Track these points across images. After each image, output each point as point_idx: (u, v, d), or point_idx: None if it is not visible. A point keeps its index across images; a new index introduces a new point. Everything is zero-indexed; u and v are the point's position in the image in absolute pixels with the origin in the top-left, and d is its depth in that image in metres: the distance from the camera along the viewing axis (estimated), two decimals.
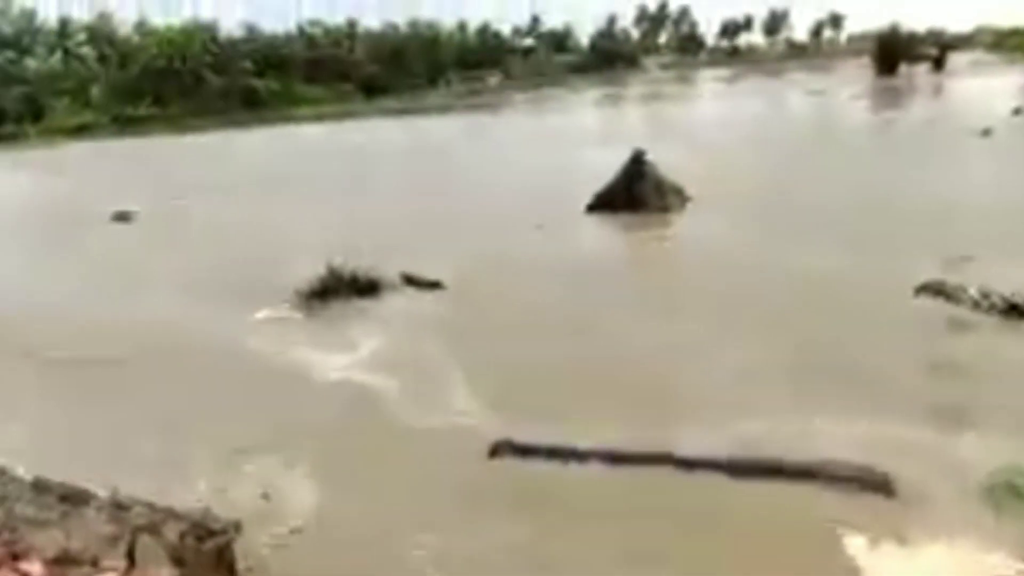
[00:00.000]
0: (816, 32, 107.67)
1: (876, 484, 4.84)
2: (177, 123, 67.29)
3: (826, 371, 6.64)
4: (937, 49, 49.94)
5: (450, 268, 10.74)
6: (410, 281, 10.53)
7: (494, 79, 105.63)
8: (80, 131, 68.66)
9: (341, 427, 6.44)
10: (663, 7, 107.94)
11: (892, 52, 48.54)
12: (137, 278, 11.99)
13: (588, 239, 12.66)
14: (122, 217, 17.87)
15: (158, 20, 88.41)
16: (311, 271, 10.27)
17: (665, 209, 13.87)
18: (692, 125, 31.37)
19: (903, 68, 48.53)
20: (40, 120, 73.04)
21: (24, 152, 51.72)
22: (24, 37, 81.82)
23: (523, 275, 10.57)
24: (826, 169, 17.81)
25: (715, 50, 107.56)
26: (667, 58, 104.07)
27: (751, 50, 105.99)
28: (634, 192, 13.93)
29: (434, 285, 10.35)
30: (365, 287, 10.25)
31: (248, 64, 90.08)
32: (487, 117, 53.49)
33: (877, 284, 8.77)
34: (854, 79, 47.16)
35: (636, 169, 14.21)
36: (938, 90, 40.58)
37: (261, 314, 9.65)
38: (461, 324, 8.78)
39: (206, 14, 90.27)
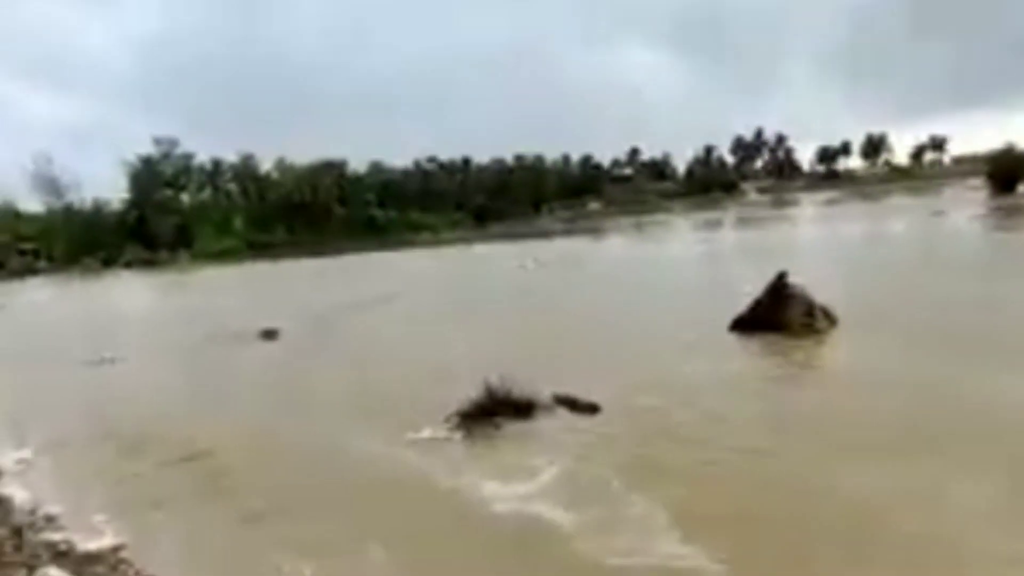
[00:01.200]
0: (917, 155, 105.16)
1: None
2: (305, 248, 71.15)
3: None
4: None
5: (603, 389, 10.06)
6: (567, 403, 9.89)
7: (594, 205, 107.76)
8: (222, 255, 73.67)
9: (521, 563, 5.71)
10: (759, 135, 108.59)
11: (1010, 172, 46.36)
12: (288, 395, 11.87)
13: (746, 359, 11.73)
14: (269, 335, 18.21)
15: (295, 158, 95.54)
16: (460, 390, 9.82)
17: (816, 330, 12.84)
18: (812, 246, 30.24)
19: (1022, 187, 46.09)
20: (189, 246, 78.84)
21: (175, 275, 55.38)
22: (181, 176, 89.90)
23: (687, 397, 9.74)
24: (971, 290, 16.37)
25: (812, 174, 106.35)
26: (765, 183, 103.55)
27: (850, 174, 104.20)
28: (782, 312, 13.02)
29: (592, 408, 9.66)
30: (522, 408, 9.68)
31: (371, 196, 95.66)
32: (592, 241, 53.77)
33: None
34: (968, 200, 45.05)
35: (782, 289, 13.37)
36: None
37: (419, 433, 9.19)
38: (632, 451, 8.00)
39: (337, 153, 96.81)
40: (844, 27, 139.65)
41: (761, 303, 13.44)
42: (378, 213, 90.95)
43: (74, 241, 76.80)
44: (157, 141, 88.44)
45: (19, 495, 7.96)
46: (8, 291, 48.56)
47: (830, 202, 70.55)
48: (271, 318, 19.99)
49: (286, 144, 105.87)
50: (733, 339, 13.08)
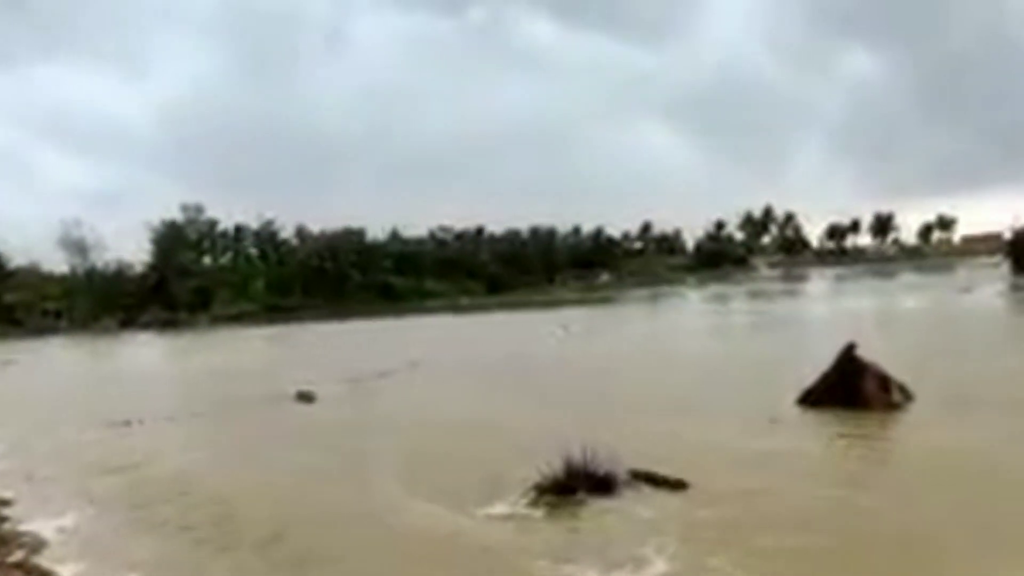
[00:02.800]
0: (925, 233, 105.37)
1: None
2: (323, 313, 70.75)
3: None
4: None
5: (677, 464, 9.17)
6: (648, 479, 8.98)
7: (605, 277, 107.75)
8: (240, 318, 73.36)
9: None
10: (768, 212, 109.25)
11: None
12: (342, 461, 10.97)
13: (828, 435, 10.83)
14: (305, 398, 17.38)
15: (315, 224, 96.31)
16: (523, 460, 8.98)
17: (894, 405, 11.96)
18: (846, 321, 29.42)
19: None
20: (208, 308, 78.60)
21: (196, 336, 54.76)
22: (204, 240, 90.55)
23: (776, 476, 8.84)
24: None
25: (821, 251, 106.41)
26: (774, 258, 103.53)
27: (859, 251, 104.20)
28: (856, 386, 12.16)
29: (679, 485, 8.75)
30: (602, 484, 8.78)
31: (388, 263, 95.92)
32: (611, 310, 53.15)
33: None
34: (990, 277, 44.44)
35: (853, 361, 12.54)
36: None
37: (494, 507, 8.28)
38: (740, 537, 7.08)
39: (356, 219, 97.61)
40: (851, 106, 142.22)
41: (831, 376, 12.59)
42: (394, 280, 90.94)
43: (95, 301, 76.67)
44: (183, 207, 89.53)
45: (66, 573, 7.04)
46: (26, 349, 47.92)
47: (840, 278, 70.03)
48: (302, 381, 19.19)
49: (307, 210, 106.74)
50: (804, 414, 12.19)
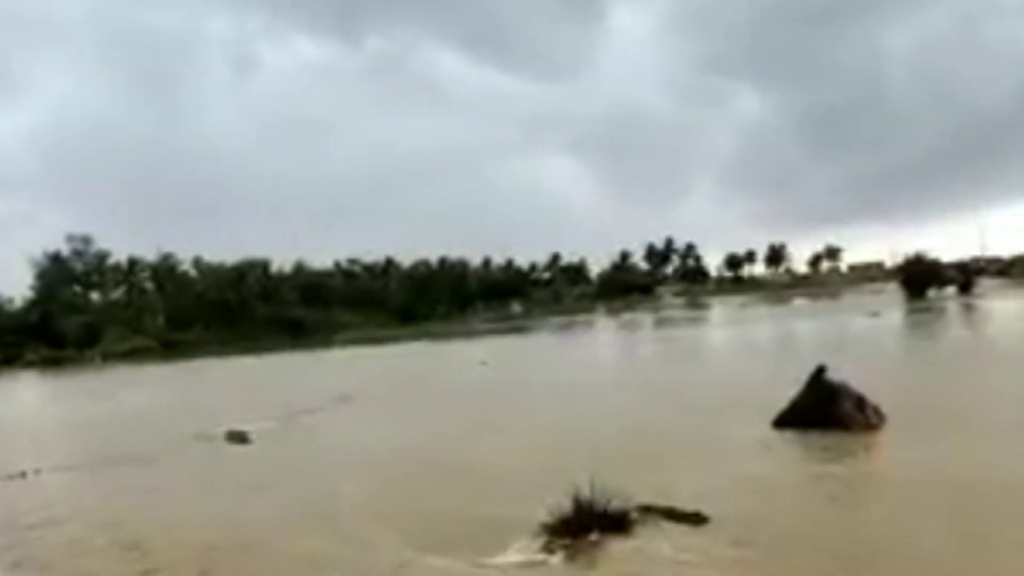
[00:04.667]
0: (814, 262, 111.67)
1: None
2: (222, 347, 66.77)
3: None
4: (963, 275, 50.89)
5: (678, 494, 8.50)
6: (663, 513, 8.20)
7: (516, 307, 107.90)
8: (133, 354, 68.40)
9: None
10: (669, 243, 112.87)
11: (922, 278, 49.11)
12: (312, 509, 9.60)
13: (825, 458, 10.40)
14: (238, 438, 15.67)
15: (213, 257, 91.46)
16: (507, 499, 8.09)
17: (871, 427, 11.76)
18: (771, 344, 30.04)
19: (931, 292, 48.85)
20: (96, 346, 72.86)
21: (88, 375, 50.21)
22: (93, 274, 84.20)
23: (794, 504, 8.29)
24: (973, 380, 16.00)
25: (720, 279, 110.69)
26: (677, 287, 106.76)
27: (754, 279, 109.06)
28: (832, 407, 11.91)
29: (697, 518, 8.02)
30: (617, 521, 7.93)
31: (294, 295, 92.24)
32: (530, 338, 52.76)
33: None
34: (888, 303, 46.76)
35: (826, 384, 12.32)
36: (975, 309, 40.02)
37: (505, 554, 7.28)
38: (779, 568, 6.43)
39: (260, 252, 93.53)
40: (742, 143, 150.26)
41: (805, 398, 12.31)
42: (302, 312, 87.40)
43: None
44: (69, 238, 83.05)
45: None
46: None
47: (745, 305, 72.57)
48: (227, 420, 17.43)
49: (205, 242, 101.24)
50: (786, 436, 11.82)
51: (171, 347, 72.53)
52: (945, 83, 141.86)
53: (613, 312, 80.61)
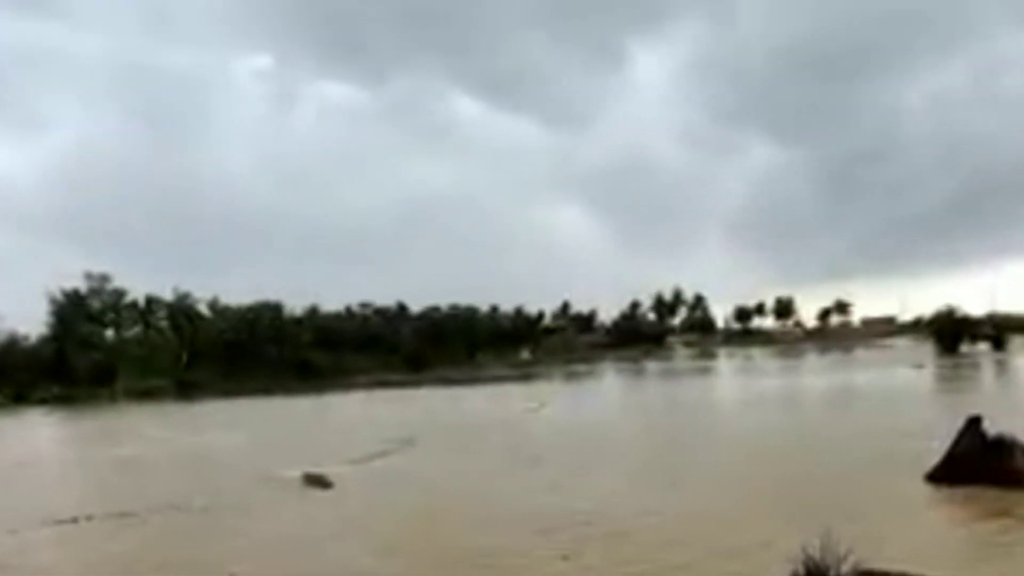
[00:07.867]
0: (823, 316, 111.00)
1: None
2: (236, 388, 65.15)
3: None
4: (995, 330, 50.11)
5: (889, 554, 7.38)
6: None
7: (526, 354, 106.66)
8: (147, 394, 66.89)
9: None
10: (677, 294, 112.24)
11: (954, 332, 48.26)
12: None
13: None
14: (318, 482, 14.50)
15: (231, 298, 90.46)
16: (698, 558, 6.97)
17: None
18: (842, 397, 28.67)
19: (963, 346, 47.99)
20: (110, 383, 71.27)
21: (106, 414, 48.59)
22: (109, 312, 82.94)
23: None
24: None
25: (729, 331, 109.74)
26: (688, 337, 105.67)
27: (762, 332, 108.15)
28: (999, 462, 10.87)
29: None
30: None
31: (307, 338, 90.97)
32: (523, 386, 50.63)
33: None
34: (918, 356, 45.57)
35: (992, 436, 11.26)
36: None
37: None
38: None
39: (271, 294, 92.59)
40: (753, 194, 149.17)
41: (964, 451, 11.29)
42: (314, 355, 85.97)
43: None
44: (87, 276, 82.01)
45: None
46: None
47: (748, 358, 71.27)
48: (288, 463, 16.32)
49: (218, 282, 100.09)
50: (953, 492, 10.74)
51: (185, 387, 70.99)
52: (960, 136, 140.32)
53: (628, 361, 79.37)
